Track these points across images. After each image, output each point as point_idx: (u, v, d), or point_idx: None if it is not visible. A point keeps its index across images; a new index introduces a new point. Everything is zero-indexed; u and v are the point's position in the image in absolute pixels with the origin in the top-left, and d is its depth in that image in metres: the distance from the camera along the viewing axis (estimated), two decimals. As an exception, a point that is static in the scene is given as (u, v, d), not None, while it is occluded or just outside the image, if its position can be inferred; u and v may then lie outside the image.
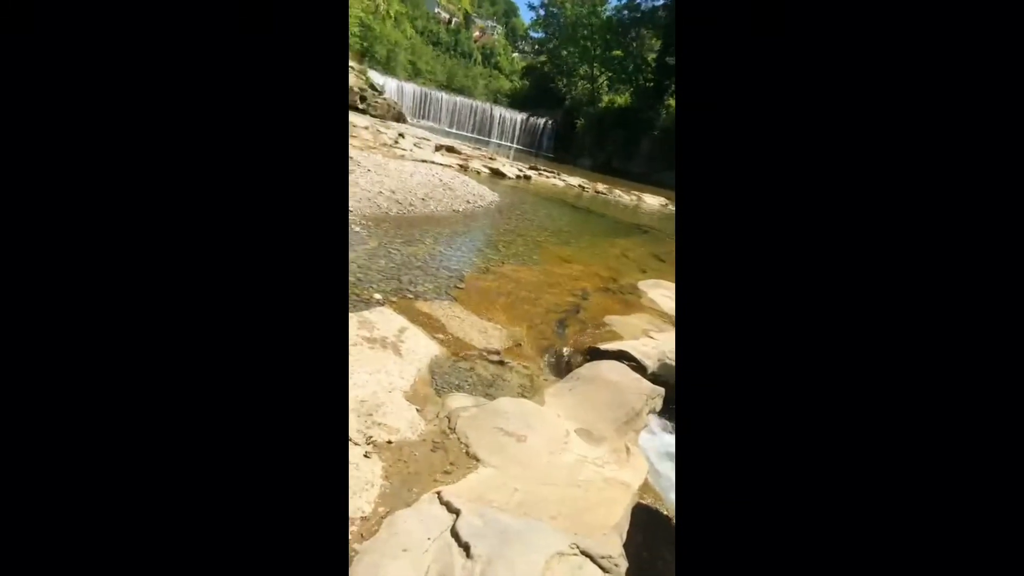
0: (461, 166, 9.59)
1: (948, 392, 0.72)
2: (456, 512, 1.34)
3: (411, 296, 2.95)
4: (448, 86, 34.39)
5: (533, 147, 27.51)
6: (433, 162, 8.68)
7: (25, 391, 0.73)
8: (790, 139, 0.80)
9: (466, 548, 1.22)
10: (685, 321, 0.84)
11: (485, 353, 2.50)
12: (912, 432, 0.73)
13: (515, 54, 50.03)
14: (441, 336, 2.55)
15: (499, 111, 29.18)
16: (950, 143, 0.74)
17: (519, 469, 1.62)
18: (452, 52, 43.23)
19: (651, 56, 26.06)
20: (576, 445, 1.79)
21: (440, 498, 1.41)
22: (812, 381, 0.76)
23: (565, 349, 2.79)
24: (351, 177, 5.39)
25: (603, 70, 27.80)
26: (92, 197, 0.76)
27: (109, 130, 0.76)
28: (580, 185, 12.07)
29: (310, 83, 0.83)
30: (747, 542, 0.76)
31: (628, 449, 1.83)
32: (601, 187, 12.54)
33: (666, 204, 12.19)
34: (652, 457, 2.05)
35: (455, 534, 1.27)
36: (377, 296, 2.81)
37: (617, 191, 12.56)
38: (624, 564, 1.29)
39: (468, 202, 6.31)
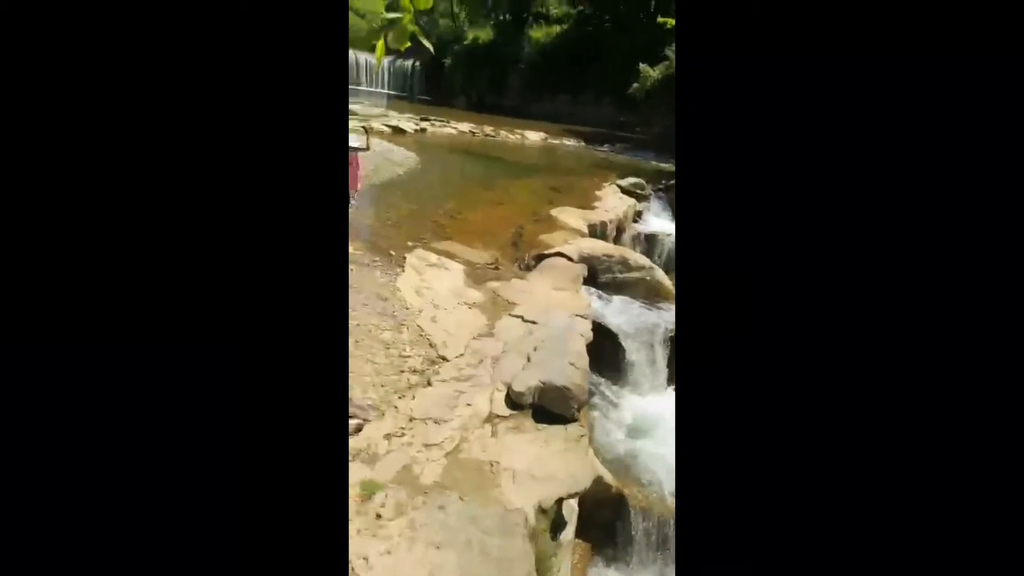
0: (364, 128, 10.73)
1: (948, 392, 0.72)
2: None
3: (426, 240, 4.71)
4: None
5: (405, 91, 27.75)
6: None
7: (27, 372, 0.73)
8: (787, 138, 0.80)
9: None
10: (686, 319, 0.84)
11: (486, 265, 4.39)
12: (912, 431, 0.73)
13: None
14: (459, 259, 4.39)
15: (363, 56, 28.67)
16: (950, 143, 0.73)
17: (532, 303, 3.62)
18: None
19: (506, -11, 27.08)
20: (555, 291, 3.84)
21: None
22: (812, 381, 0.77)
23: (526, 256, 4.76)
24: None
25: (462, 6, 28.39)
26: (93, 194, 0.75)
27: (109, 129, 0.76)
28: (471, 131, 13.65)
29: (309, 81, 0.83)
30: (747, 542, 0.76)
31: (577, 291, 3.92)
32: (488, 129, 14.16)
33: (545, 137, 14.25)
34: (585, 294, 4.18)
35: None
36: (410, 243, 4.54)
37: (503, 132, 14.28)
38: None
39: (400, 164, 7.84)
